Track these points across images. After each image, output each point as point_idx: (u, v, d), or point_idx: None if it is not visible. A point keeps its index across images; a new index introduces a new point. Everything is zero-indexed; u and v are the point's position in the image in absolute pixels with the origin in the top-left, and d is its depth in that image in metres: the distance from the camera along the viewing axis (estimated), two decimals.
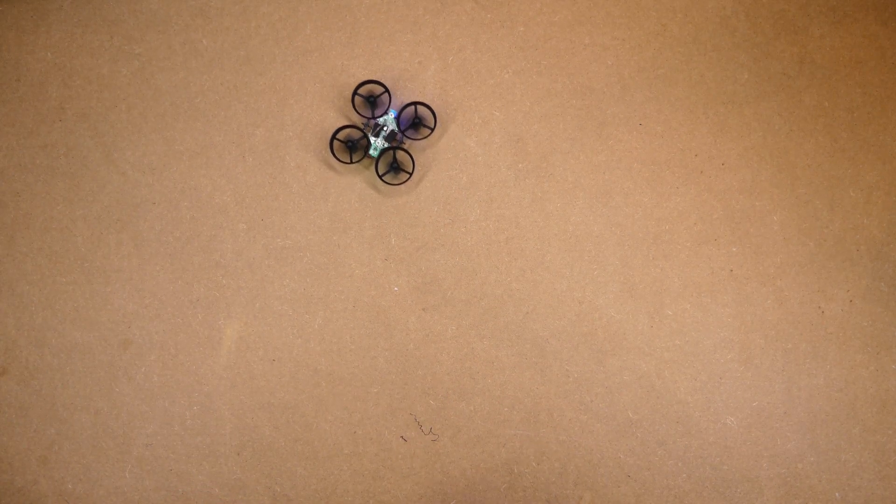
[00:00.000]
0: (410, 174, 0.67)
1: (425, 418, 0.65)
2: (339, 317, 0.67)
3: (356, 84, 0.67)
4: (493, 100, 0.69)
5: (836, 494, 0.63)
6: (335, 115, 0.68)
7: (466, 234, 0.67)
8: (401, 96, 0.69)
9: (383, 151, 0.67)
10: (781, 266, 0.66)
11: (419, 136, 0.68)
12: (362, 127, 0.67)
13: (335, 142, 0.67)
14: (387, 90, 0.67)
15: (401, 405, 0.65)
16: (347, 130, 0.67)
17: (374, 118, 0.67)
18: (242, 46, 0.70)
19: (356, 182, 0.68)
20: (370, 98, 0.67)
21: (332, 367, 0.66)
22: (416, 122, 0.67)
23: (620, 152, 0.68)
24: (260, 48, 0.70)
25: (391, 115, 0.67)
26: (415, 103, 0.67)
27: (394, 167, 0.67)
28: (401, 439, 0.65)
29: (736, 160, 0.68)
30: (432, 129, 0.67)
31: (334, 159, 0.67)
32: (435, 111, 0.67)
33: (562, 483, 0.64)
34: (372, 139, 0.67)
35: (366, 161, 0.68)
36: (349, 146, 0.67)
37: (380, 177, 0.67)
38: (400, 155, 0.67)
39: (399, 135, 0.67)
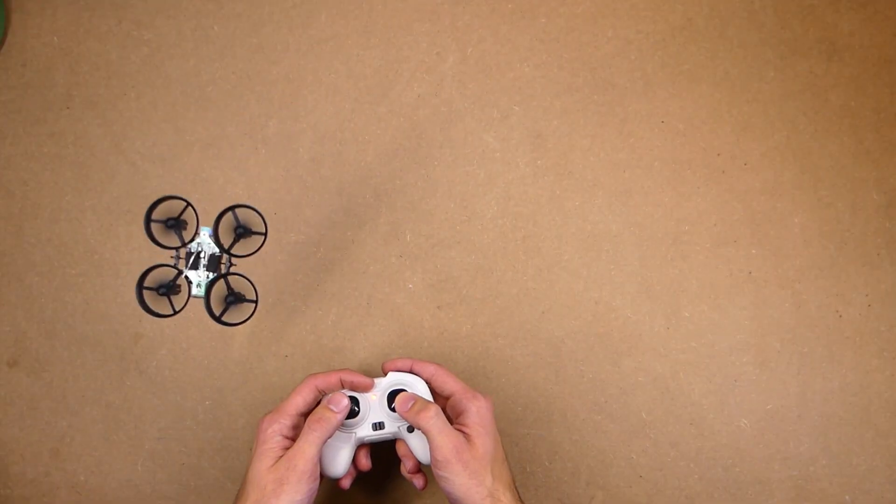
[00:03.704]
0: (256, 301, 0.52)
1: None
2: (353, 313, 0.66)
3: (147, 208, 0.49)
4: (512, 94, 0.67)
5: (847, 497, 0.63)
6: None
7: (483, 231, 0.66)
8: (208, 207, 0.53)
9: (211, 285, 0.50)
10: (801, 269, 0.65)
11: (252, 251, 0.51)
12: (173, 263, 0.50)
13: (144, 292, 0.49)
14: (189, 204, 0.50)
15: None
16: (155, 272, 0.50)
17: (183, 245, 0.51)
18: (255, 34, 0.68)
19: (371, 176, 0.67)
20: (169, 222, 0.51)
21: (346, 363, 0.66)
22: (239, 232, 0.52)
23: (641, 150, 0.67)
24: (273, 36, 0.68)
25: (205, 234, 0.52)
26: (231, 208, 0.51)
27: (230, 300, 0.52)
28: None
29: (758, 160, 0.66)
30: (265, 234, 0.51)
31: (151, 317, 0.50)
32: (259, 209, 0.52)
33: (574, 482, 0.64)
34: (190, 274, 0.51)
35: (193, 305, 0.52)
36: (163, 293, 0.50)
37: (217, 319, 0.51)
38: (234, 281, 0.52)
39: (224, 257, 0.51)
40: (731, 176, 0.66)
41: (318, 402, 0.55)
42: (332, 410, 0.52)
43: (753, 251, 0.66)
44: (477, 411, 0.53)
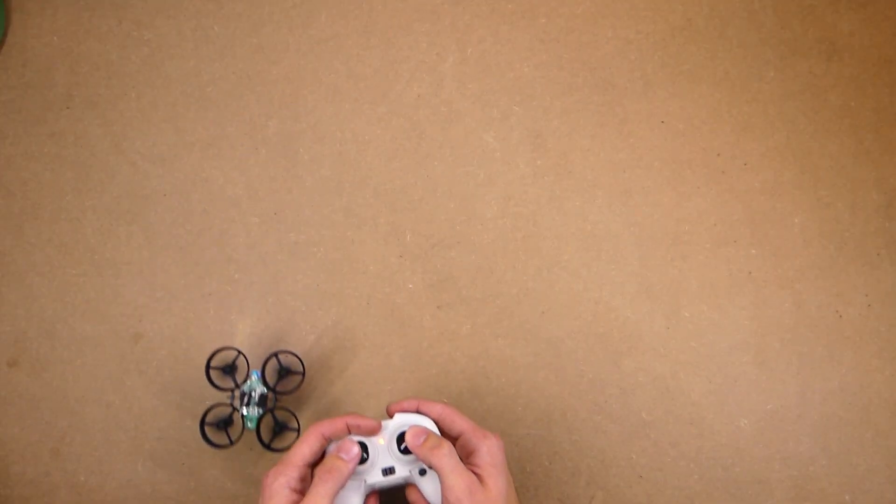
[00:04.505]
0: (298, 430, 0.61)
1: None
2: (353, 313, 0.66)
3: (206, 359, 0.61)
4: (512, 94, 0.67)
5: (847, 497, 0.63)
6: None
7: (483, 231, 0.66)
8: (256, 353, 0.64)
9: (261, 419, 0.60)
10: (801, 269, 0.65)
11: (292, 388, 0.61)
12: (228, 402, 0.61)
13: (206, 427, 0.60)
14: (240, 353, 0.61)
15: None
16: (214, 410, 0.61)
17: (237, 387, 0.61)
18: (255, 34, 0.68)
19: (371, 176, 0.67)
20: (225, 368, 0.61)
21: (346, 363, 0.66)
22: (282, 373, 0.62)
23: (641, 150, 0.67)
24: (273, 36, 0.68)
25: (255, 377, 0.61)
26: (275, 354, 0.62)
27: (277, 430, 0.61)
28: None
29: (758, 160, 0.66)
30: (303, 374, 0.62)
31: (210, 448, 0.60)
32: (298, 354, 0.62)
33: (574, 482, 0.64)
34: (243, 411, 0.60)
35: (245, 436, 0.62)
36: (220, 427, 0.60)
37: (268, 447, 0.60)
38: (280, 415, 0.62)
39: (271, 395, 0.61)
40: (731, 176, 0.66)
41: (325, 451, 0.52)
42: (342, 459, 0.50)
43: (753, 251, 0.66)
44: (488, 451, 0.51)
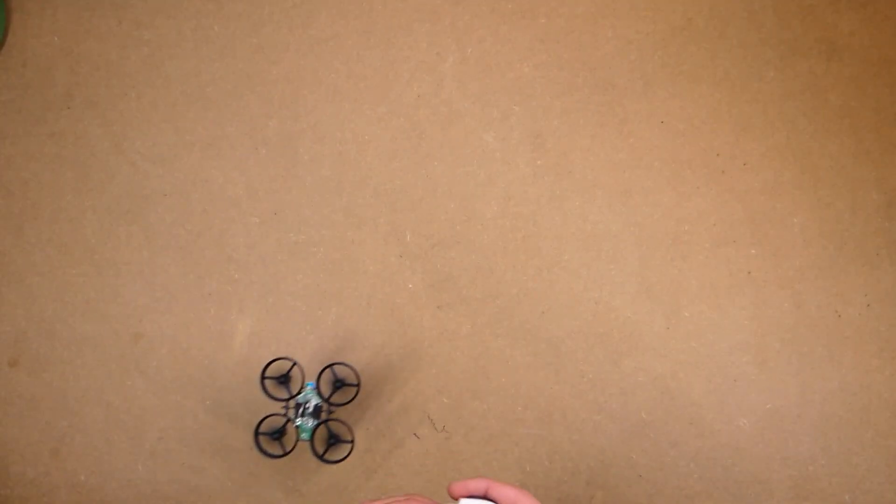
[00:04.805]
0: (352, 442, 0.61)
1: (438, 416, 0.65)
2: (353, 313, 0.66)
3: (262, 369, 0.61)
4: (512, 94, 0.67)
5: (846, 497, 0.63)
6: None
7: (483, 231, 0.66)
8: (311, 363, 0.64)
9: (315, 429, 0.60)
10: (800, 269, 0.65)
11: (347, 400, 0.61)
12: (283, 412, 0.60)
13: (260, 437, 0.60)
14: (295, 363, 0.61)
15: (414, 403, 0.65)
16: (268, 420, 0.61)
17: (292, 398, 0.60)
18: (255, 34, 0.68)
19: (370, 177, 0.67)
20: (280, 378, 0.62)
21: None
22: (338, 385, 0.61)
23: (641, 150, 0.67)
24: (273, 36, 0.68)
25: (309, 388, 0.61)
26: (330, 365, 0.62)
27: (331, 443, 0.61)
28: (414, 436, 0.65)
29: (758, 160, 0.66)
30: (358, 386, 0.61)
31: (265, 458, 0.60)
32: (353, 366, 0.62)
33: (574, 482, 0.64)
34: (298, 421, 0.60)
35: (299, 446, 0.62)
36: (275, 437, 0.60)
37: (321, 458, 0.59)
38: (334, 426, 0.61)
39: (325, 405, 0.60)
40: (731, 176, 0.66)
41: None
42: None
43: (753, 251, 0.66)
44: None
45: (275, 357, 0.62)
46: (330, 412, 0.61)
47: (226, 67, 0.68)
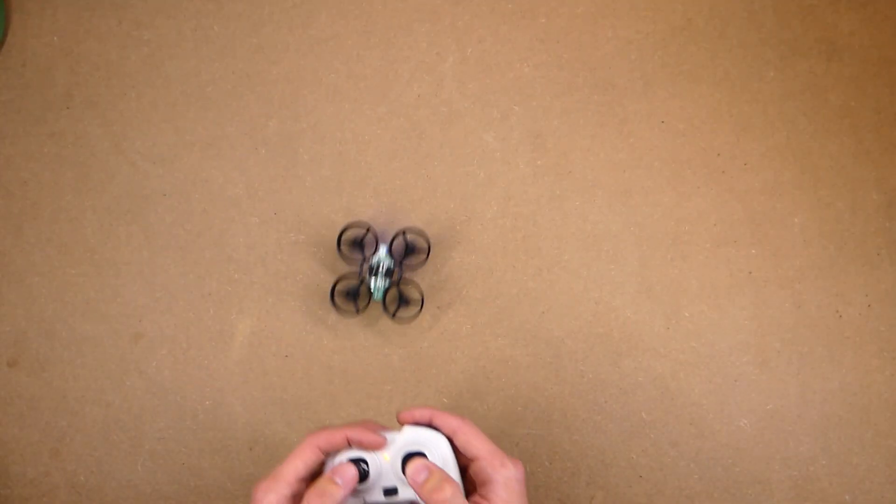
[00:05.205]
0: (421, 303, 0.64)
1: None
2: (353, 313, 0.66)
3: (338, 232, 0.64)
4: (512, 94, 0.67)
5: (847, 497, 0.63)
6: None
7: (483, 231, 0.66)
8: (386, 228, 0.66)
9: (386, 291, 0.64)
10: (801, 269, 0.65)
11: (417, 263, 0.65)
12: (358, 272, 0.64)
13: (335, 297, 0.64)
14: (369, 229, 0.64)
15: (414, 403, 0.65)
16: (343, 282, 0.64)
17: (365, 260, 0.64)
18: (255, 34, 0.68)
19: (370, 177, 0.67)
20: (356, 242, 0.64)
21: (346, 364, 0.66)
22: (409, 249, 0.64)
23: (641, 150, 0.67)
24: (273, 36, 0.68)
25: (383, 251, 0.64)
26: (402, 231, 0.64)
27: (402, 302, 0.64)
28: None
29: (758, 160, 0.66)
30: (428, 251, 0.64)
31: (337, 314, 0.64)
32: (425, 232, 0.64)
33: (574, 482, 0.64)
34: (371, 282, 0.63)
35: (372, 307, 0.65)
36: (350, 296, 0.64)
37: (393, 316, 0.64)
38: (404, 288, 0.65)
39: (397, 269, 0.64)
40: (731, 176, 0.66)
41: (322, 464, 0.48)
42: (336, 484, 0.45)
43: (753, 251, 0.66)
44: (505, 484, 0.45)
45: (350, 222, 0.65)
46: (401, 275, 0.65)
47: (226, 67, 0.68)
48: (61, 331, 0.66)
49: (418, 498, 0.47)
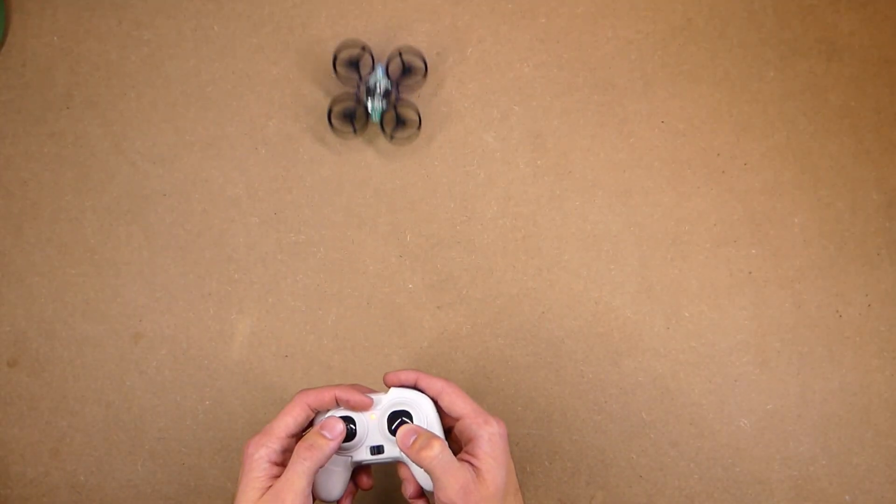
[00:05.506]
0: (419, 123, 0.64)
1: None
2: (353, 313, 0.66)
3: (333, 52, 0.63)
4: (512, 94, 0.67)
5: (847, 497, 0.63)
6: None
7: (483, 231, 0.66)
8: (381, 49, 0.65)
9: (384, 112, 0.63)
10: (801, 269, 0.65)
11: (414, 84, 0.65)
12: (354, 93, 0.63)
13: (332, 118, 0.64)
14: (364, 48, 0.63)
15: None
16: (340, 104, 0.64)
17: (361, 81, 0.63)
18: (255, 34, 0.68)
19: (371, 176, 0.67)
20: (351, 62, 0.63)
21: (346, 364, 0.66)
22: (406, 70, 0.63)
23: (641, 150, 0.67)
24: (273, 36, 0.68)
25: (379, 72, 0.63)
26: (398, 51, 0.63)
27: (400, 123, 0.64)
28: None
29: (758, 160, 0.66)
30: (425, 72, 0.64)
31: (335, 139, 0.64)
32: (422, 52, 0.64)
33: (574, 482, 0.64)
34: (368, 103, 0.62)
35: (370, 128, 0.65)
36: (347, 117, 0.63)
37: (391, 137, 0.64)
38: (402, 111, 0.64)
39: (394, 90, 0.63)
40: (731, 176, 0.66)
41: (312, 422, 0.50)
42: (324, 437, 0.47)
43: (753, 251, 0.66)
44: (489, 440, 0.47)
45: (345, 41, 0.63)
46: (398, 96, 0.63)
47: (226, 67, 0.68)
48: (61, 331, 0.66)
49: (403, 455, 0.49)
